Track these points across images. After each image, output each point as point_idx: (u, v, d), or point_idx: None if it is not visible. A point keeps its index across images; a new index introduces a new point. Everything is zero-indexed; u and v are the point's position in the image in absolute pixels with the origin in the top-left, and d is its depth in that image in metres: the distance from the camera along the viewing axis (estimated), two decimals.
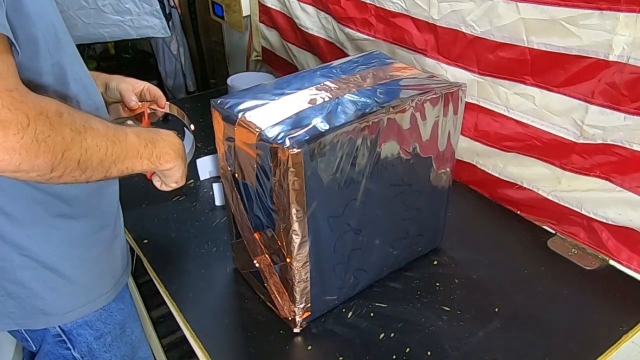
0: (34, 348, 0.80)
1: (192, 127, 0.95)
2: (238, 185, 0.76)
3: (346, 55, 1.26)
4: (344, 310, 0.81)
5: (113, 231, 0.80)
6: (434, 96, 0.73)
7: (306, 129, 0.64)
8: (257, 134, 0.65)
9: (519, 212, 1.02)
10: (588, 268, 0.89)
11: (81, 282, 0.75)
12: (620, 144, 0.82)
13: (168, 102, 0.91)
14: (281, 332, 0.78)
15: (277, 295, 0.77)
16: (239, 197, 0.77)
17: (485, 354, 0.74)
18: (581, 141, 0.87)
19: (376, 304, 0.82)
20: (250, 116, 0.68)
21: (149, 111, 0.89)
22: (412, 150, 0.76)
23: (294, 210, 0.65)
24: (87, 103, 0.70)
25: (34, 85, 0.60)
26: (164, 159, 0.70)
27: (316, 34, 1.36)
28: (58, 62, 0.64)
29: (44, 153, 0.51)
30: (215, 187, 1.07)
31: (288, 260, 0.70)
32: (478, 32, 0.94)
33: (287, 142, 0.62)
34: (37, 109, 0.50)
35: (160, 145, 0.70)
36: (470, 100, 1.01)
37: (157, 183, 0.80)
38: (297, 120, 0.66)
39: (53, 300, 0.73)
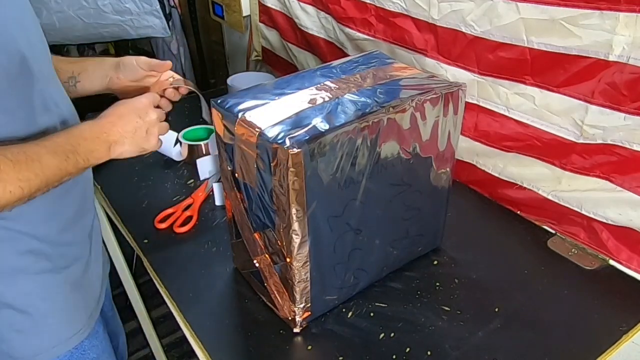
0: None
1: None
2: (238, 185, 0.76)
3: (346, 55, 1.26)
4: (344, 310, 0.81)
5: (87, 263, 0.77)
6: (434, 96, 0.73)
7: (306, 128, 0.64)
8: (257, 133, 0.65)
9: (519, 212, 1.02)
10: (588, 268, 0.89)
11: (51, 321, 0.71)
12: (620, 144, 0.82)
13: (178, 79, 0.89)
14: (281, 332, 0.78)
15: (277, 295, 0.77)
16: (239, 197, 0.77)
17: (485, 354, 0.74)
18: (581, 141, 0.87)
19: (376, 304, 0.82)
20: (250, 116, 0.68)
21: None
22: (412, 150, 0.76)
23: (294, 210, 0.65)
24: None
25: None
26: (93, 157, 0.67)
27: (316, 34, 1.36)
28: (24, 94, 0.62)
29: None
30: (215, 187, 1.07)
31: (288, 260, 0.70)
32: (478, 32, 0.94)
33: (287, 142, 0.62)
34: None
35: (83, 145, 0.65)
36: (470, 100, 1.01)
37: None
38: (297, 120, 0.67)
39: (20, 343, 0.70)
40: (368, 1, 1.14)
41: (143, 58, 0.84)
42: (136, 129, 0.72)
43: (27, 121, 0.63)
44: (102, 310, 0.86)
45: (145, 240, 0.97)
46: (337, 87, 0.75)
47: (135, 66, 0.83)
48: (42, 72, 0.66)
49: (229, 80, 1.44)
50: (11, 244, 0.66)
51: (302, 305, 0.75)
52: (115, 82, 0.84)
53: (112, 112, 0.72)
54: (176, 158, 1.20)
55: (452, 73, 1.02)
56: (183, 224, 1.00)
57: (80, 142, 0.65)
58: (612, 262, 0.89)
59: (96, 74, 0.84)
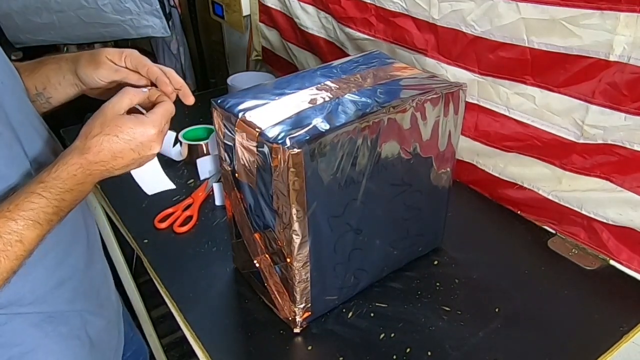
0: None
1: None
2: (238, 185, 0.76)
3: (346, 55, 1.26)
4: (344, 310, 0.81)
5: (102, 318, 0.74)
6: (435, 96, 0.73)
7: (306, 128, 0.64)
8: (258, 133, 0.65)
9: (519, 212, 1.02)
10: (588, 268, 0.89)
11: None
12: (620, 144, 0.82)
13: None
14: (281, 332, 0.78)
15: (277, 295, 0.77)
16: (239, 197, 0.77)
17: (486, 354, 0.74)
18: (582, 141, 0.87)
19: (376, 304, 0.82)
20: (250, 116, 0.68)
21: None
22: (413, 150, 0.76)
23: (294, 211, 0.65)
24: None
25: None
26: (75, 204, 0.59)
27: (316, 33, 1.36)
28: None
29: None
30: (216, 187, 1.07)
31: (288, 260, 0.70)
32: (478, 32, 0.94)
33: (288, 142, 0.62)
34: None
35: (67, 199, 0.57)
36: (470, 100, 1.01)
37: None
38: (298, 120, 0.66)
39: None
40: (368, 1, 1.14)
41: (104, 70, 0.67)
42: (129, 164, 0.62)
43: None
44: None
45: (145, 240, 0.97)
46: (337, 87, 0.75)
47: (97, 81, 0.68)
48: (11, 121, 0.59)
49: (229, 80, 1.44)
50: (22, 319, 0.62)
51: (302, 306, 0.75)
52: (87, 91, 0.71)
53: (107, 144, 0.58)
54: (176, 158, 1.20)
55: (453, 73, 1.02)
56: (183, 224, 1.00)
57: (64, 196, 0.57)
58: (612, 262, 0.89)
59: (63, 84, 0.71)
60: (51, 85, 0.70)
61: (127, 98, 0.61)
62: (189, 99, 0.70)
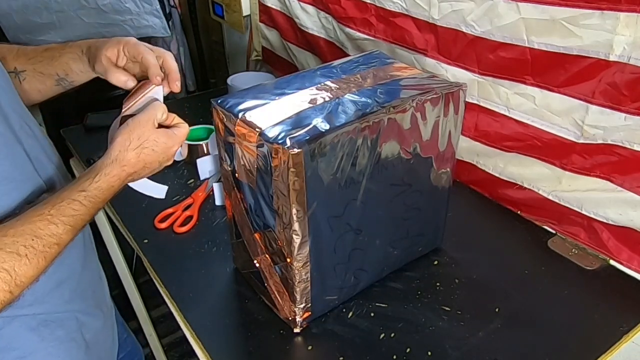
0: None
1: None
2: (238, 185, 0.76)
3: (346, 55, 1.26)
4: (344, 310, 0.81)
5: (97, 319, 0.75)
6: (435, 96, 0.73)
7: (306, 128, 0.64)
8: (258, 133, 0.65)
9: (519, 212, 1.02)
10: (588, 268, 0.89)
11: None
12: (620, 144, 0.82)
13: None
14: (281, 332, 0.78)
15: (277, 295, 0.77)
16: (239, 197, 0.77)
17: (485, 354, 0.74)
18: (582, 141, 0.87)
19: (376, 304, 0.82)
20: (250, 116, 0.68)
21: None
22: (413, 150, 0.76)
23: (294, 211, 0.65)
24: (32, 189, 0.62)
25: None
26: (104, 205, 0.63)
27: (316, 33, 1.36)
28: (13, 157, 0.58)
29: None
30: (216, 187, 1.07)
31: (288, 260, 0.70)
32: (478, 32, 0.94)
33: (288, 142, 0.62)
34: None
35: (101, 203, 0.60)
36: (470, 100, 1.01)
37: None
38: (298, 120, 0.66)
39: None
40: (368, 1, 1.14)
41: (115, 74, 0.71)
42: (150, 172, 0.69)
43: (18, 190, 0.59)
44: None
45: (145, 240, 0.97)
46: (337, 87, 0.75)
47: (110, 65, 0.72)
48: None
49: (229, 80, 1.44)
50: (19, 323, 0.63)
51: (302, 306, 0.75)
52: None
53: (143, 157, 0.64)
54: (176, 158, 1.20)
55: (453, 73, 1.02)
56: (183, 224, 1.00)
57: (99, 206, 0.61)
58: (612, 262, 0.89)
59: (83, 71, 0.76)
60: (73, 72, 0.76)
61: (161, 111, 0.67)
62: (175, 86, 0.74)
